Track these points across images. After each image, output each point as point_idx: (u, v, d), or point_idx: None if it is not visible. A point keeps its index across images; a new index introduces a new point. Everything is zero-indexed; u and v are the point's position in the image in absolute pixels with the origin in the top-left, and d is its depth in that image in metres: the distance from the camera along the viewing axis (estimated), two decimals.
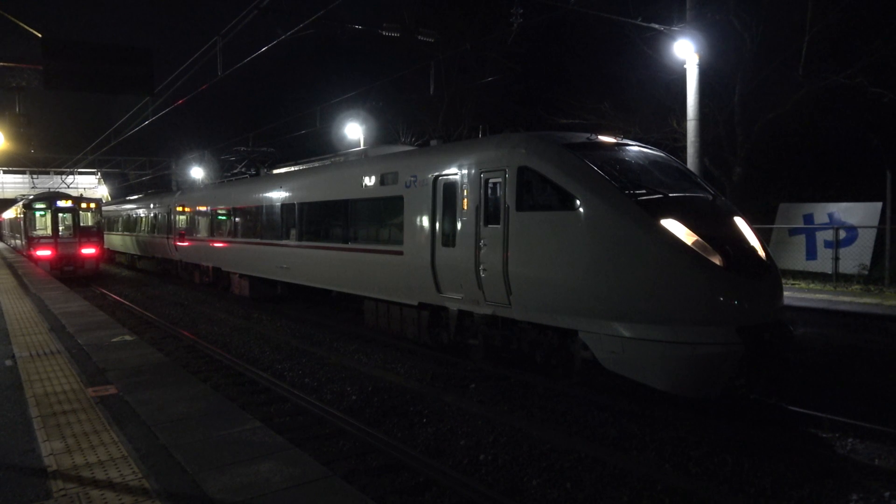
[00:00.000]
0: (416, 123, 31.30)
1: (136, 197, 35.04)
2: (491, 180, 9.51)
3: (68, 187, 52.34)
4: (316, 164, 16.19)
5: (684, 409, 8.15)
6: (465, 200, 9.96)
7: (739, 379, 7.37)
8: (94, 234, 27.33)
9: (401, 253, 11.39)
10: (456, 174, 10.21)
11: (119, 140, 29.10)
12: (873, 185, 18.20)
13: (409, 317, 11.67)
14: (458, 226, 10.06)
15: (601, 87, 23.36)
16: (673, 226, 7.62)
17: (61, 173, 50.65)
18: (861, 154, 20.21)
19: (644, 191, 8.17)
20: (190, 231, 23.24)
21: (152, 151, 46.09)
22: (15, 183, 54.19)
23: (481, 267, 9.52)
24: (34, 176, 52.35)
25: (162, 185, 42.39)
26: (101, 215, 28.66)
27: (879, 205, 17.47)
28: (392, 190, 11.78)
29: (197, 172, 40.12)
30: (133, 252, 32.36)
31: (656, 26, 14.91)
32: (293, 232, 15.59)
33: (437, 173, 10.64)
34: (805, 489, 6.06)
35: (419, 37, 16.15)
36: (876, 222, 17.25)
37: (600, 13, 15.03)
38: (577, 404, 8.66)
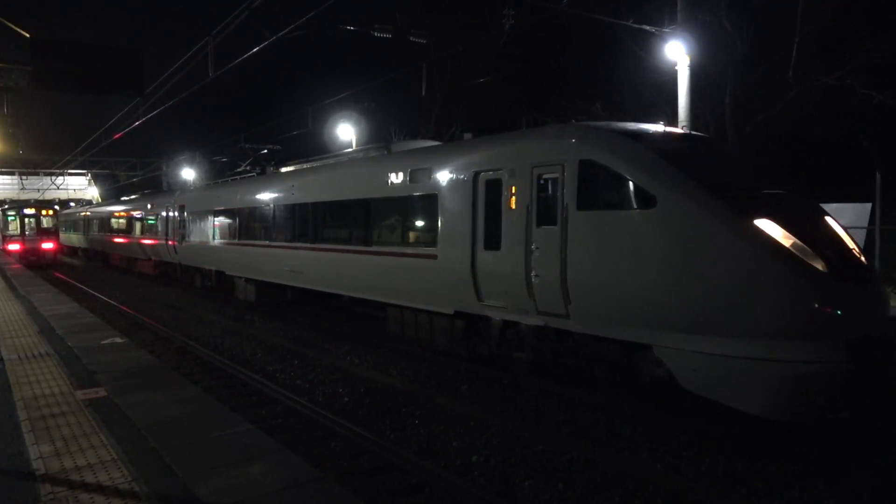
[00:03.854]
0: (408, 125, 31.29)
1: (131, 197, 33.92)
2: (544, 176, 8.58)
3: (58, 188, 52.15)
4: (331, 161, 15.22)
5: (678, 411, 8.16)
6: (513, 199, 9.01)
7: (842, 402, 6.67)
8: (52, 232, 36.74)
9: (434, 257, 10.41)
10: (500, 170, 9.26)
11: (109, 141, 28.93)
12: (863, 186, 18.32)
13: (441, 326, 10.72)
14: (504, 227, 9.13)
15: (593, 88, 23.44)
16: (768, 226, 6.79)
17: (51, 174, 50.35)
18: (851, 155, 20.34)
19: (729, 187, 7.42)
20: (191, 233, 22.10)
21: (143, 153, 45.91)
22: (3, 184, 53.84)
23: (533, 273, 8.58)
24: (23, 177, 52.01)
25: (153, 186, 42.18)
26: (57, 219, 38.02)
27: (869, 206, 17.57)
28: (424, 188, 10.78)
29: (188, 174, 39.95)
30: (128, 255, 31.51)
31: (648, 28, 14.95)
32: (307, 234, 14.62)
33: (477, 169, 9.68)
34: (796, 489, 6.08)
35: (411, 38, 16.14)
36: (866, 223, 17.35)
37: (592, 15, 15.06)
38: (569, 405, 8.66)
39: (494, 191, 9.36)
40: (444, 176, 10.34)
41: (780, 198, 7.72)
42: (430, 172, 10.68)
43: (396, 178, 11.55)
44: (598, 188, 8.01)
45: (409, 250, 11.14)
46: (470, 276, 9.66)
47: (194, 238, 21.79)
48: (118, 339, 10.85)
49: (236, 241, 18.47)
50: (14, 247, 35.64)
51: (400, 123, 31.53)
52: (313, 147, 30.56)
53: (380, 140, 28.83)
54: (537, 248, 8.57)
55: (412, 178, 11.12)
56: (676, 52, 14.53)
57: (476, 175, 9.69)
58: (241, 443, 5.68)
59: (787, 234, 6.78)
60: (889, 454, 6.79)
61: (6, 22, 10.19)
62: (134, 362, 9.05)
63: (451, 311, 10.37)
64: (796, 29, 19.07)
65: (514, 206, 9.00)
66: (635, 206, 7.53)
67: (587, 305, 8.02)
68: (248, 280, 18.14)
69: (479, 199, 9.62)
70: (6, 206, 38.32)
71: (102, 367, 8.69)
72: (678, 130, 8.64)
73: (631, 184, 7.57)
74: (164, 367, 9.24)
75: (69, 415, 6.58)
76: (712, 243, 6.91)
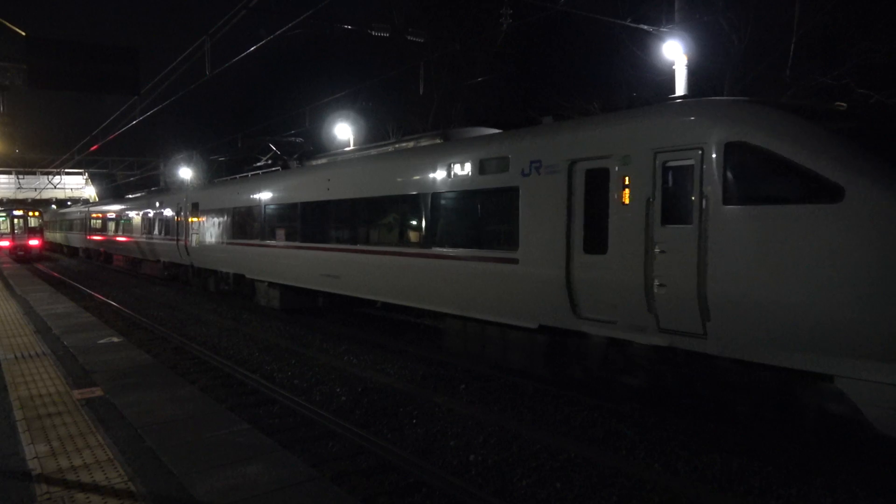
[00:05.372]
0: (405, 124, 31.29)
1: (136, 195, 32.23)
2: (672, 163, 7.13)
3: (55, 188, 52.29)
4: (373, 153, 13.57)
5: (673, 411, 8.17)
6: (626, 192, 7.59)
7: None
8: (37, 231, 41.83)
9: (514, 261, 8.99)
10: (607, 157, 7.79)
11: (106, 140, 28.87)
12: None
13: (519, 342, 9.33)
14: (613, 226, 7.70)
15: (590, 87, 23.45)
16: None
17: (48, 173, 50.35)
18: None
19: None
20: (205, 233, 20.35)
21: (140, 152, 45.92)
22: (0, 184, 53.75)
23: (656, 282, 7.16)
24: (20, 176, 51.98)
25: (150, 185, 42.07)
26: (42, 220, 43.73)
27: None
28: (499, 180, 9.34)
29: (186, 173, 39.90)
30: (133, 256, 30.00)
31: (645, 27, 14.96)
32: (346, 234, 13.10)
33: (573, 157, 8.22)
34: (793, 488, 6.08)
35: (409, 37, 16.15)
36: None
37: (590, 14, 15.08)
38: (567, 405, 8.66)
39: (598, 183, 7.93)
40: (526, 166, 8.87)
41: None
42: (506, 162, 9.24)
43: (461, 169, 10.11)
44: (753, 178, 6.59)
45: (480, 253, 9.68)
46: (563, 285, 8.26)
47: (209, 238, 20.08)
48: (115, 339, 10.82)
49: (259, 241, 16.70)
50: (4, 244, 40.13)
51: (398, 122, 31.55)
52: (313, 146, 30.54)
53: (379, 139, 28.77)
54: (662, 251, 7.13)
55: (482, 168, 9.70)
56: (674, 52, 14.53)
57: (572, 164, 8.24)
58: (237, 442, 5.67)
59: None
60: (889, 453, 6.79)
61: (2, 21, 10.17)
62: (130, 362, 9.03)
63: (533, 325, 8.94)
64: (793, 28, 19.10)
65: (627, 201, 7.57)
66: (812, 200, 6.07)
67: (734, 323, 6.57)
68: (271, 284, 16.57)
69: (577, 193, 8.20)
70: None
71: (99, 367, 8.67)
72: (838, 105, 7.35)
73: (805, 172, 6.11)
74: (160, 366, 9.21)
75: (65, 414, 6.56)
76: None
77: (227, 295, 19.84)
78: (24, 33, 10.05)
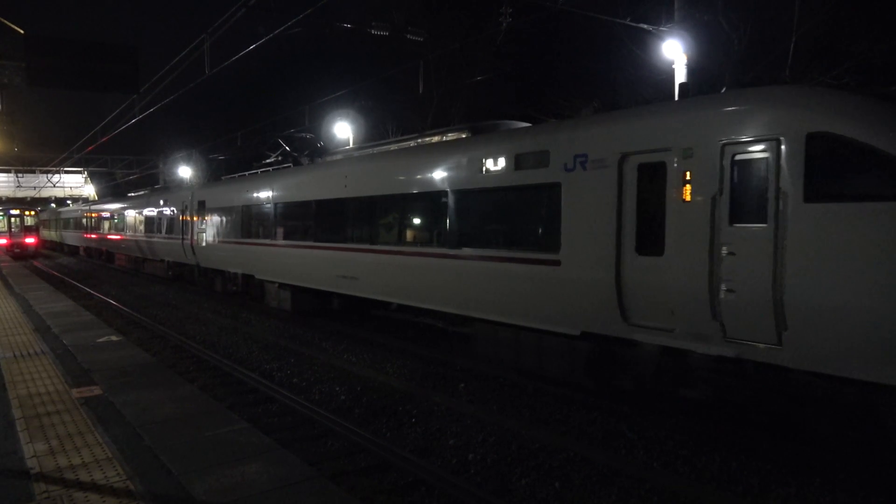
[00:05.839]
0: (405, 123, 31.29)
1: (139, 193, 31.19)
2: (743, 156, 6.59)
3: (54, 186, 52.49)
4: (393, 148, 13.04)
5: (673, 410, 8.17)
6: (686, 187, 7.04)
7: None
8: (33, 229, 43.50)
9: (555, 263, 8.43)
10: (665, 150, 7.23)
11: (105, 139, 28.82)
12: None
13: (557, 349, 8.73)
14: (671, 225, 7.15)
15: (590, 86, 23.43)
16: None
17: (47, 172, 50.40)
18: None
19: None
20: (212, 231, 19.73)
21: (139, 150, 46.03)
22: (0, 182, 53.80)
23: (723, 286, 6.63)
24: (19, 175, 52.02)
25: (150, 183, 42.05)
26: (38, 218, 45.00)
27: None
28: (538, 175, 8.77)
29: (185, 171, 39.89)
30: (136, 255, 29.19)
31: (645, 26, 14.96)
32: (365, 233, 12.44)
33: (624, 150, 7.66)
34: (792, 487, 6.09)
35: (408, 36, 16.13)
36: None
37: (589, 13, 15.07)
38: (566, 404, 8.66)
39: (653, 177, 7.38)
40: (570, 160, 8.30)
41: None
42: (546, 157, 8.65)
43: (494, 163, 9.53)
44: (839, 171, 6.06)
45: (516, 255, 9.11)
46: (611, 289, 7.71)
47: (216, 237, 19.37)
48: (114, 337, 10.82)
49: (270, 241, 16.03)
50: (1, 241, 41.91)
51: (397, 121, 31.55)
52: (312, 145, 30.52)
53: (378, 138, 28.76)
54: (731, 253, 6.59)
55: (518, 163, 9.12)
56: (673, 51, 14.54)
57: (623, 158, 7.67)
58: (236, 441, 5.67)
59: None
60: (887, 453, 6.79)
61: (0, 19, 10.15)
62: (129, 360, 9.02)
63: (575, 332, 8.36)
64: (793, 28, 19.11)
65: (687, 198, 7.02)
66: None
67: (816, 333, 6.04)
68: (282, 285, 15.99)
69: (628, 189, 7.62)
70: None
71: (98, 366, 8.67)
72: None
73: None
74: (159, 365, 9.22)
75: (64, 413, 6.56)
76: None
77: (235, 296, 19.23)
78: (22, 31, 10.04)
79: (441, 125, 30.30)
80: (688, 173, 7.02)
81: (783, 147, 6.26)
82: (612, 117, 8.42)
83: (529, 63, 30.81)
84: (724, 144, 6.71)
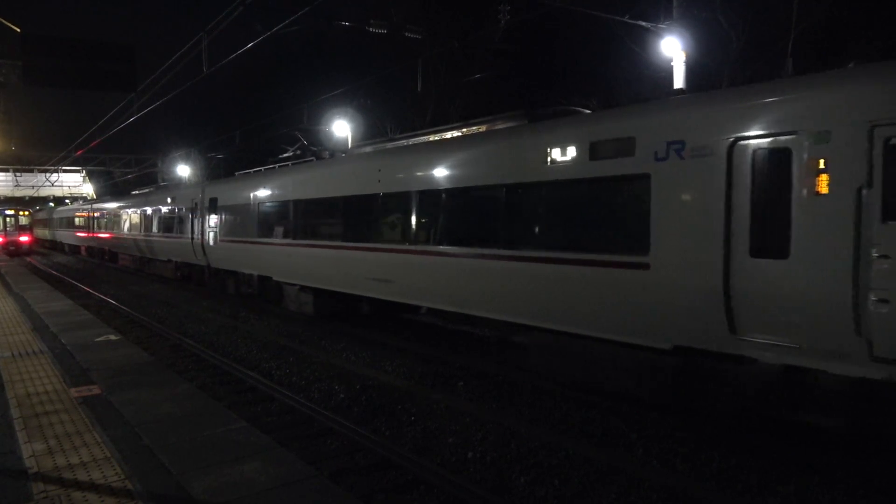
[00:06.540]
0: (404, 121, 31.27)
1: (143, 191, 30.18)
2: None
3: (52, 185, 52.58)
4: (434, 139, 11.83)
5: (672, 409, 8.17)
6: (820, 178, 6.02)
7: None
8: (27, 228, 46.77)
9: (644, 266, 7.34)
10: (791, 134, 6.19)
11: (103, 137, 28.78)
12: None
13: (637, 363, 7.68)
14: (798, 223, 6.14)
15: (589, 84, 23.46)
16: None
17: (45, 171, 50.36)
18: None
19: None
20: (224, 230, 18.68)
21: (138, 149, 46.05)
22: None
23: (871, 296, 5.68)
24: (17, 174, 52.00)
25: (148, 182, 41.99)
26: (31, 218, 48.95)
27: None
28: (621, 166, 7.68)
29: (184, 170, 39.86)
30: (141, 255, 28.11)
31: (644, 24, 14.94)
32: (402, 233, 11.33)
33: (735, 135, 6.59)
34: (791, 485, 6.08)
35: (406, 34, 16.11)
36: None
37: (588, 10, 15.06)
38: (565, 402, 8.65)
39: (774, 167, 6.36)
40: (661, 148, 7.22)
41: None
42: (632, 144, 7.56)
43: (561, 154, 8.44)
44: None
45: (591, 257, 8.00)
46: (718, 297, 6.68)
47: (229, 236, 18.30)
48: (112, 337, 10.81)
49: (290, 240, 14.96)
50: None
51: (396, 120, 31.54)
52: (311, 144, 30.50)
53: (377, 136, 28.70)
54: (884, 256, 5.63)
55: (595, 152, 8.03)
56: (672, 48, 14.53)
57: (733, 144, 6.61)
58: (235, 440, 5.67)
59: None
60: (886, 453, 6.80)
61: None
62: (128, 360, 9.01)
63: (666, 346, 7.37)
64: (791, 25, 19.12)
65: (822, 190, 6.02)
66: None
67: None
68: (303, 288, 14.99)
69: (741, 180, 6.55)
70: None
71: (96, 365, 8.65)
72: None
73: None
74: (158, 364, 9.20)
75: (62, 412, 6.55)
76: None
77: (250, 298, 18.20)
78: (18, 30, 10.02)
79: (440, 123, 30.32)
80: (822, 161, 5.99)
81: None
82: (713, 97, 7.48)
83: (528, 61, 30.81)
84: (874, 126, 5.66)
